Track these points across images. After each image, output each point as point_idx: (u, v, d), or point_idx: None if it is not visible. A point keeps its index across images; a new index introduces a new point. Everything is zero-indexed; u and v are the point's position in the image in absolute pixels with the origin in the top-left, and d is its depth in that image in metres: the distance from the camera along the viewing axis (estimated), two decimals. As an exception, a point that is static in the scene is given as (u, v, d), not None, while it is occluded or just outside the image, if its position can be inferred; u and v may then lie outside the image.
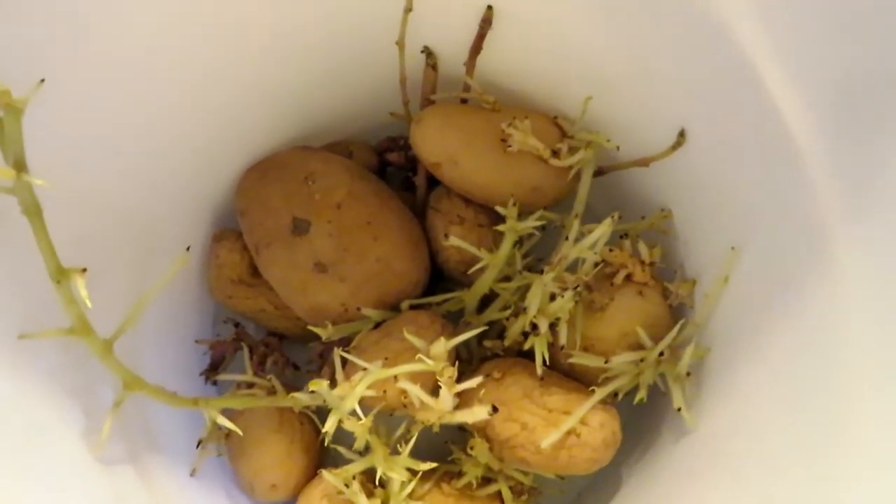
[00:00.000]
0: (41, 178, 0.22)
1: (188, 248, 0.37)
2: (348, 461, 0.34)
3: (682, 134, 0.32)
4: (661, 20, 0.29)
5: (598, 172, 0.38)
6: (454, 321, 0.37)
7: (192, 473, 0.35)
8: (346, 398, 0.30)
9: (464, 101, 0.38)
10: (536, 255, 0.39)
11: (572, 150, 0.37)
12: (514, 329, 0.35)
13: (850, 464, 0.24)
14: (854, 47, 0.24)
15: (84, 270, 0.24)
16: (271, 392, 0.38)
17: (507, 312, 0.36)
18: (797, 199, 0.27)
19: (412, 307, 0.37)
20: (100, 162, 0.32)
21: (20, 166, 0.21)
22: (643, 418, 0.37)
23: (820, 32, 0.24)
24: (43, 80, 0.21)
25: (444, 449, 0.37)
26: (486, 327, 0.36)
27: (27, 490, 0.26)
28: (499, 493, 0.36)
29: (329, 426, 0.30)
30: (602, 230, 0.33)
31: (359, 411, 0.31)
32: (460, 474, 0.36)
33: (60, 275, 0.24)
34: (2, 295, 0.26)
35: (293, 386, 0.38)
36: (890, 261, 0.23)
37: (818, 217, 0.26)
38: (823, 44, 0.25)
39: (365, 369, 0.31)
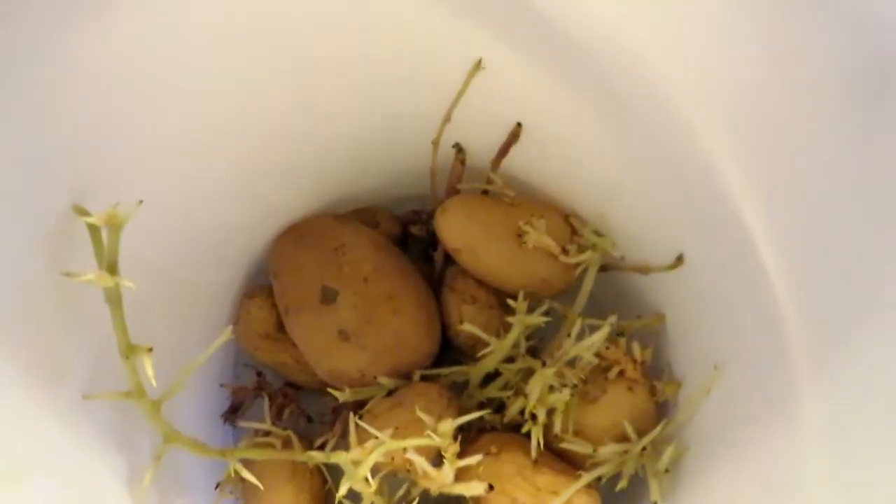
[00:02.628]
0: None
1: (235, 324, 0.40)
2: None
3: (679, 258, 0.36)
4: (660, 162, 0.33)
5: (603, 268, 0.42)
6: (458, 391, 0.41)
7: (212, 515, 0.39)
8: (360, 465, 0.34)
9: (485, 191, 0.42)
10: (538, 337, 0.42)
11: (580, 249, 0.40)
12: (514, 408, 0.39)
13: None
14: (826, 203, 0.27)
15: (150, 350, 0.27)
16: (286, 441, 0.41)
17: (509, 393, 0.40)
18: (774, 337, 0.30)
19: (422, 377, 0.41)
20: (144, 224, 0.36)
21: (113, 270, 0.24)
22: (623, 503, 0.41)
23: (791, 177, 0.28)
24: (141, 202, 0.24)
25: (439, 510, 0.41)
26: (488, 410, 0.39)
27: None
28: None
29: (341, 493, 0.34)
30: (600, 335, 0.37)
31: (369, 477, 0.34)
32: (452, 536, 0.40)
33: (129, 351, 0.27)
34: (68, 359, 0.30)
35: (306, 436, 0.42)
36: (848, 407, 0.27)
37: (790, 355, 0.30)
38: (798, 193, 0.28)
39: (376, 437, 0.35)
